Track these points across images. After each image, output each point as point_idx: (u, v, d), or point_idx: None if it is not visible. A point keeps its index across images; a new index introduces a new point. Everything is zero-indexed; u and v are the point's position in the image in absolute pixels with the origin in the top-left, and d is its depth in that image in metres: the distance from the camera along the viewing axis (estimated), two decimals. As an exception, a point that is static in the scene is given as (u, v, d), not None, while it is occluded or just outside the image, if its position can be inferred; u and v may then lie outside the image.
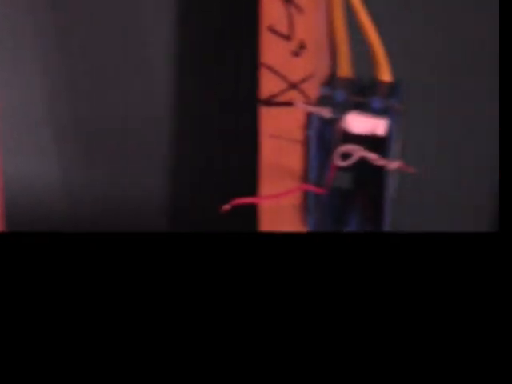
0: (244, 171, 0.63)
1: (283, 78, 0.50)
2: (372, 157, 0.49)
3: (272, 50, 0.50)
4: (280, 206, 0.53)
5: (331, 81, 0.53)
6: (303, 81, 0.50)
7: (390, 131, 0.49)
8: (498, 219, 0.59)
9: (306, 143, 0.51)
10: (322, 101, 0.51)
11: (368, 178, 0.55)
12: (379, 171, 0.53)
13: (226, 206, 0.48)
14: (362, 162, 0.50)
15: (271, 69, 0.50)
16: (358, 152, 0.49)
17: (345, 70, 0.53)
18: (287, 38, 0.49)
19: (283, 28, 0.49)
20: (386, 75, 0.53)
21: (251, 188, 0.53)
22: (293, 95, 0.50)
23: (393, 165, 0.49)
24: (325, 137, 0.52)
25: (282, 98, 0.50)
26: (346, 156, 0.50)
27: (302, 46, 0.49)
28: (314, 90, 0.50)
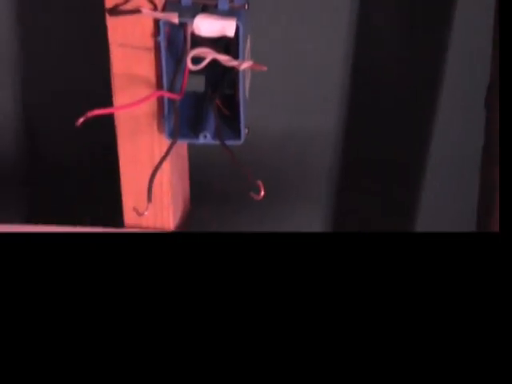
0: (97, 82, 0.63)
1: (127, -15, 0.50)
2: (223, 58, 0.50)
3: (114, -41, 0.49)
4: (136, 114, 0.53)
5: (177, -15, 0.52)
6: (148, -13, 0.50)
7: (239, 31, 0.50)
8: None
9: (156, 50, 0.51)
10: (169, 6, 0.50)
11: (221, 79, 0.55)
12: (232, 72, 0.53)
13: (81, 119, 0.48)
14: (214, 64, 0.50)
15: (114, -23, 0.49)
16: (210, 55, 0.50)
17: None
18: None
19: None
20: (230, -24, 0.53)
21: (106, 99, 0.53)
22: (139, 2, 0.50)
23: (244, 65, 0.50)
24: (175, 42, 0.52)
25: (128, 6, 0.50)
26: (197, 60, 0.50)
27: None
28: (159, -5, 0.50)
